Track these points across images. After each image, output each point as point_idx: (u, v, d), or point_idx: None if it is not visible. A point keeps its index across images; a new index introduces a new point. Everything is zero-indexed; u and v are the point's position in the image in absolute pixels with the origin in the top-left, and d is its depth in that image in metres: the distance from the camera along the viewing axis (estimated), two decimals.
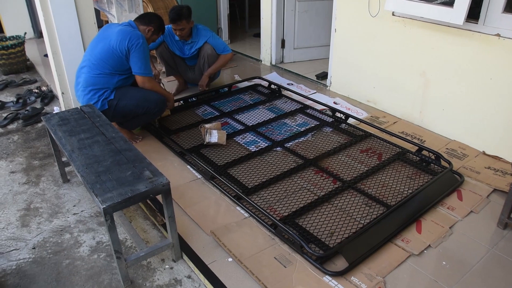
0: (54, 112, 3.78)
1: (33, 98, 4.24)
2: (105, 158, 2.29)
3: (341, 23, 3.96)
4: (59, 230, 2.57)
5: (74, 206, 2.78)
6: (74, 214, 2.71)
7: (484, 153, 3.14)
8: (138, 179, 2.09)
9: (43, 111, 3.97)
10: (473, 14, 2.93)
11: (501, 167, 2.96)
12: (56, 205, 2.79)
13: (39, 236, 2.53)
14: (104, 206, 1.91)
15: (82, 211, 2.73)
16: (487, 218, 2.54)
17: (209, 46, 3.95)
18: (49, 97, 4.24)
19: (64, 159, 2.97)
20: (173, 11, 3.73)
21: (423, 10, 3.08)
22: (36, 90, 4.38)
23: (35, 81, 4.82)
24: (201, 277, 2.17)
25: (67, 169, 3.01)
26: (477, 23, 2.94)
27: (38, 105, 4.13)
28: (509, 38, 2.80)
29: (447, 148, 3.21)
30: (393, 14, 3.45)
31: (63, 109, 3.69)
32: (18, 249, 2.44)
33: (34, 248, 2.44)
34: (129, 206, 2.23)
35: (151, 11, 4.62)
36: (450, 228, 2.46)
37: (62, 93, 3.56)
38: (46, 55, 5.46)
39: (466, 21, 2.91)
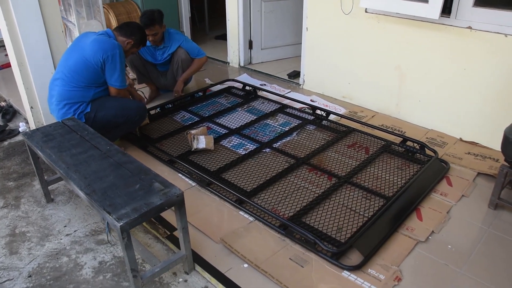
0: (20, 129, 3.57)
1: None
2: (106, 173, 2.18)
3: (313, 22, 4.02)
4: (54, 254, 2.41)
5: (65, 226, 2.62)
6: (67, 235, 2.55)
7: (461, 139, 3.31)
8: (149, 192, 2.00)
9: (7, 128, 3.70)
10: (446, 8, 3.07)
11: (479, 152, 3.14)
12: (45, 227, 2.61)
13: (33, 262, 2.35)
14: (121, 223, 1.81)
15: (75, 231, 2.58)
16: (478, 201, 2.68)
17: (182, 50, 3.86)
18: (10, 112, 3.95)
19: (46, 177, 2.79)
20: (145, 16, 3.60)
21: (398, 7, 3.19)
22: None
23: None
24: (220, 286, 2.12)
25: (50, 187, 2.83)
26: (449, 17, 3.09)
27: None
28: (480, 30, 2.97)
29: (427, 138, 3.35)
30: (366, 11, 3.55)
31: (32, 124, 3.46)
32: (12, 279, 2.26)
33: (30, 276, 2.27)
34: (145, 221, 2.14)
35: (112, 17, 4.44)
36: (447, 213, 2.57)
37: (31, 107, 3.34)
38: None
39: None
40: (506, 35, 2.86)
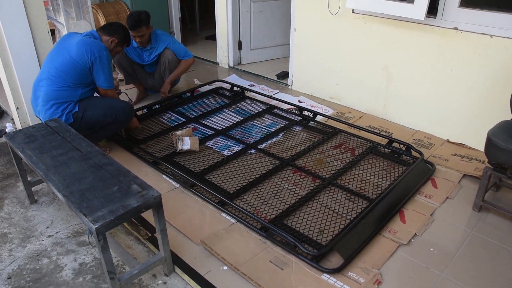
0: (7, 130, 3.55)
1: None
2: (85, 174, 2.16)
3: (301, 23, 4.01)
4: (35, 256, 2.40)
5: (47, 228, 2.60)
6: (49, 236, 2.53)
7: (448, 141, 3.30)
8: (127, 194, 1.99)
9: None
10: (432, 9, 3.06)
11: (466, 153, 3.13)
12: (27, 228, 2.60)
13: (13, 264, 2.34)
14: (97, 225, 1.80)
15: (57, 232, 2.56)
16: (463, 203, 2.67)
17: (169, 51, 3.85)
18: None
19: (29, 178, 2.78)
20: (132, 17, 3.58)
21: (384, 7, 3.18)
22: None
23: None
24: None
25: (34, 188, 2.82)
26: (435, 18, 3.08)
27: None
28: (466, 31, 2.97)
29: (414, 139, 3.34)
30: (353, 12, 3.54)
31: (18, 125, 3.44)
32: None
33: (9, 278, 2.25)
34: (121, 224, 2.12)
35: (101, 17, 4.43)
36: (431, 215, 2.56)
37: (17, 108, 3.32)
38: None
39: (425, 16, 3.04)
40: (491, 36, 2.86)
